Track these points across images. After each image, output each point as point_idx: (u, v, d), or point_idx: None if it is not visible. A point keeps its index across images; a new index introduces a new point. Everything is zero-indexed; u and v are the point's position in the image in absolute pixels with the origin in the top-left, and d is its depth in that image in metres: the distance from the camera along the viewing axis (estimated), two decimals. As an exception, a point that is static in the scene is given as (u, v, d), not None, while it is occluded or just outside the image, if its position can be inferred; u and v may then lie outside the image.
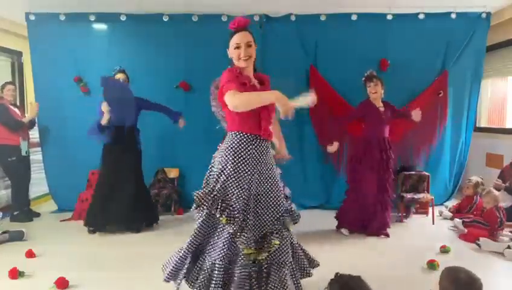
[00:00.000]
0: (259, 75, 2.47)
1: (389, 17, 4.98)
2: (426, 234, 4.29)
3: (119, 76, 4.24)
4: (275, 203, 2.38)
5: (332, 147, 4.24)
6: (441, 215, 4.89)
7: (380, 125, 4.20)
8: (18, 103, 5.38)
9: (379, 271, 3.20)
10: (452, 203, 5.26)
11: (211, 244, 2.35)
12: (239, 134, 2.31)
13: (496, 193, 4.16)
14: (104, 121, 4.07)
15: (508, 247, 3.56)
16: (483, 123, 6.03)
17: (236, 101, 2.14)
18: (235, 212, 2.26)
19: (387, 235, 4.13)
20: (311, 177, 5.29)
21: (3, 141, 4.70)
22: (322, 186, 5.32)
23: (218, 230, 2.34)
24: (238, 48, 2.29)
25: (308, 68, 5.13)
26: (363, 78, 4.24)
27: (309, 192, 5.26)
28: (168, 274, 2.42)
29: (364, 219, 4.16)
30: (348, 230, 4.22)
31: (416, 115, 4.23)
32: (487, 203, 4.12)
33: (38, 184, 5.41)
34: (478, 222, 4.05)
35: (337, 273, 1.77)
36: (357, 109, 4.37)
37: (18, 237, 4.02)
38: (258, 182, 2.33)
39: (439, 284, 1.76)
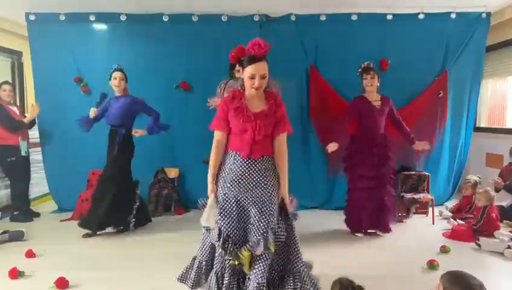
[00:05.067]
0: (267, 95, 2.44)
1: (389, 17, 4.98)
2: (426, 234, 4.29)
3: (116, 74, 4.15)
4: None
5: (332, 147, 4.01)
6: (441, 215, 4.88)
7: (373, 121, 4.03)
8: (18, 103, 5.37)
9: (379, 271, 3.20)
10: (452, 203, 5.26)
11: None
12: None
13: (493, 193, 4.16)
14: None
15: (508, 247, 3.57)
16: (483, 123, 6.04)
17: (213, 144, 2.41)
18: None
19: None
20: (312, 177, 5.28)
21: (3, 141, 4.69)
22: (322, 187, 5.31)
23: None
24: (252, 78, 2.31)
25: (308, 68, 5.12)
26: (359, 70, 4.09)
27: (310, 192, 5.25)
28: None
29: (363, 218, 4.12)
30: (360, 233, 4.15)
31: (420, 145, 4.17)
32: (479, 201, 4.18)
33: (38, 184, 5.41)
34: (476, 231, 4.02)
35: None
36: (349, 109, 4.19)
37: (18, 237, 4.01)
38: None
39: None
